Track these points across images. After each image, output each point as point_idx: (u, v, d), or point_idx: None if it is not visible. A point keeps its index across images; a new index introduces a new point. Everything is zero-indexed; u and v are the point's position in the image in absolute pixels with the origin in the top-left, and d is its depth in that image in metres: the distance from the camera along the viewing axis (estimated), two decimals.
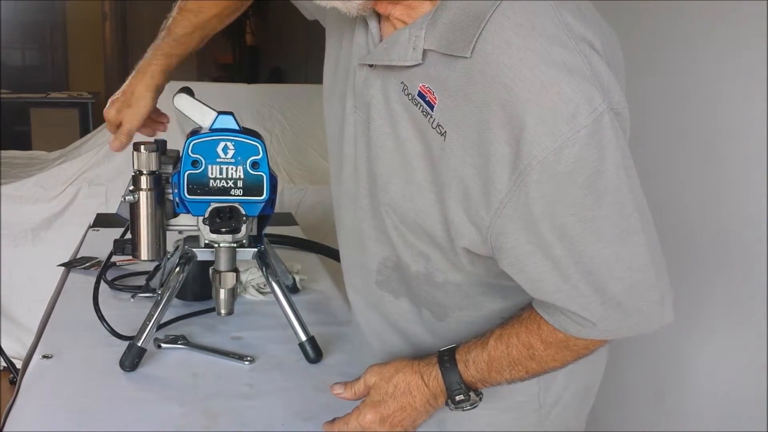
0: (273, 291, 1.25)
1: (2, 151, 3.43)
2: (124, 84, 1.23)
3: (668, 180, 1.80)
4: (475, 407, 0.95)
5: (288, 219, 2.20)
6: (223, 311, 1.20)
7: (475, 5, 0.79)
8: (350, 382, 1.02)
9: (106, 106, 1.23)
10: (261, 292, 1.50)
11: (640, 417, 1.92)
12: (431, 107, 0.83)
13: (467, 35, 0.78)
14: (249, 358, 1.23)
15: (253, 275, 1.51)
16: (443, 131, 0.82)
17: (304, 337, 1.23)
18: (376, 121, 0.90)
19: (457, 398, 0.94)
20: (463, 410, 0.95)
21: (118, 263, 1.57)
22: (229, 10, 1.21)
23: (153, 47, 1.20)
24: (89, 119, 6.25)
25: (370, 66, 0.90)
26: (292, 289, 1.51)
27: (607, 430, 1.91)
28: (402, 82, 0.86)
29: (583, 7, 0.84)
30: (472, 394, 0.94)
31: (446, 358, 0.95)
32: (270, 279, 1.24)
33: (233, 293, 1.20)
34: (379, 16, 0.90)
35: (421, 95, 0.84)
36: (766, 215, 1.51)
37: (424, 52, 0.82)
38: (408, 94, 0.85)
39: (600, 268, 0.81)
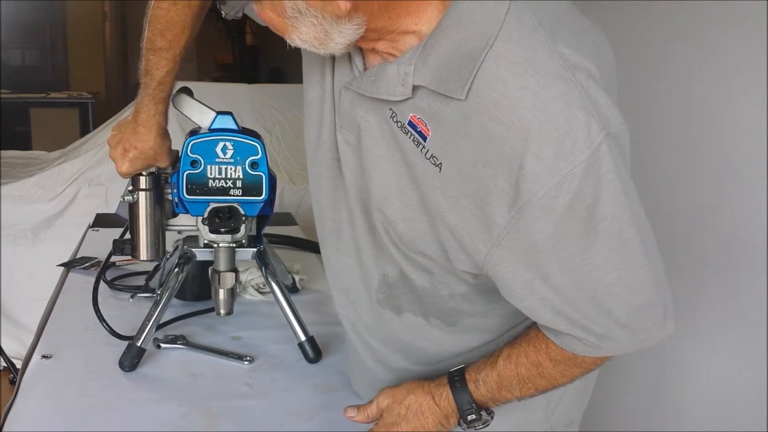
0: (272, 291, 1.25)
1: (2, 151, 3.43)
2: (125, 137, 1.15)
3: (670, 182, 1.80)
4: (487, 426, 0.95)
5: (288, 219, 2.20)
6: (222, 311, 1.20)
7: (467, 44, 0.77)
8: (363, 405, 1.02)
9: (119, 164, 1.15)
10: (260, 292, 1.50)
11: (640, 417, 1.92)
12: (423, 138, 0.82)
13: (461, 76, 0.77)
14: (248, 358, 1.23)
15: (252, 275, 1.51)
16: (438, 162, 0.81)
17: (303, 337, 1.23)
18: (368, 143, 0.89)
19: (469, 418, 0.94)
20: (476, 429, 0.95)
21: (117, 263, 1.57)
22: (196, 29, 1.17)
23: (144, 95, 1.15)
24: (89, 119, 6.25)
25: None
26: (291, 289, 1.51)
27: (608, 431, 1.91)
28: (390, 109, 0.85)
29: (573, 25, 0.83)
30: (483, 413, 0.95)
31: (456, 378, 0.95)
32: (269, 279, 1.24)
33: (233, 293, 1.20)
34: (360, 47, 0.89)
35: (412, 125, 0.83)
36: (767, 216, 1.51)
37: (414, 86, 0.81)
38: (397, 122, 0.84)
39: (603, 294, 0.81)
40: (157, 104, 1.14)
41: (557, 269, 0.80)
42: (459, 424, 0.96)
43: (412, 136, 0.83)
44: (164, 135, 1.16)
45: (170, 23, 1.11)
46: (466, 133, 0.78)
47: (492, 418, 0.95)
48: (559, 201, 0.75)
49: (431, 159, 0.82)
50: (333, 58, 0.93)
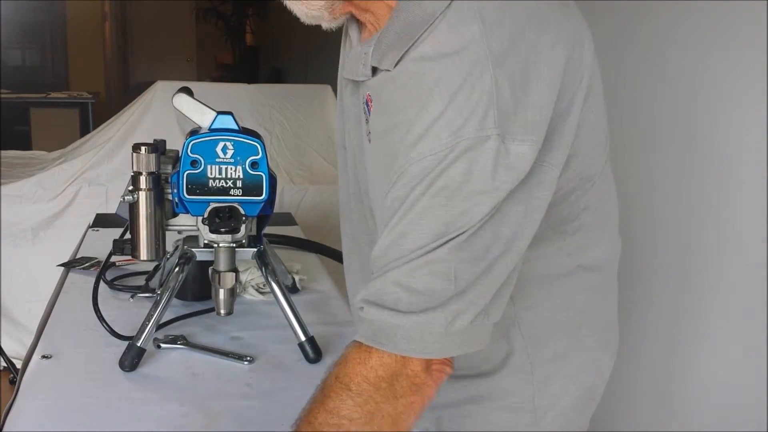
0: (272, 291, 1.24)
1: (2, 151, 3.43)
2: None
3: (671, 180, 1.80)
4: None
5: (288, 219, 2.21)
6: (222, 311, 1.20)
7: (412, 25, 0.82)
8: None
9: None
10: (260, 292, 1.50)
11: (642, 417, 1.92)
12: (369, 114, 0.91)
13: (398, 51, 0.83)
14: (249, 358, 1.23)
15: (252, 275, 1.51)
16: (369, 139, 0.91)
17: (303, 337, 1.23)
18: (353, 130, 0.98)
19: None
20: None
21: (117, 263, 1.57)
22: None
23: None
24: (89, 119, 6.26)
25: (354, 84, 0.97)
26: (291, 289, 1.51)
27: (609, 430, 1.91)
28: (363, 93, 0.93)
29: (533, 22, 0.82)
30: None
31: None
32: (269, 279, 1.24)
33: (233, 293, 1.20)
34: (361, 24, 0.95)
35: (366, 103, 0.92)
36: (767, 216, 1.51)
37: (373, 68, 0.88)
38: (363, 104, 0.93)
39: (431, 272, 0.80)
40: None
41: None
42: None
43: (366, 117, 0.92)
44: None
45: None
46: (383, 104, 0.87)
47: None
48: (425, 172, 0.78)
49: (368, 136, 0.92)
50: (344, 52, 1.01)
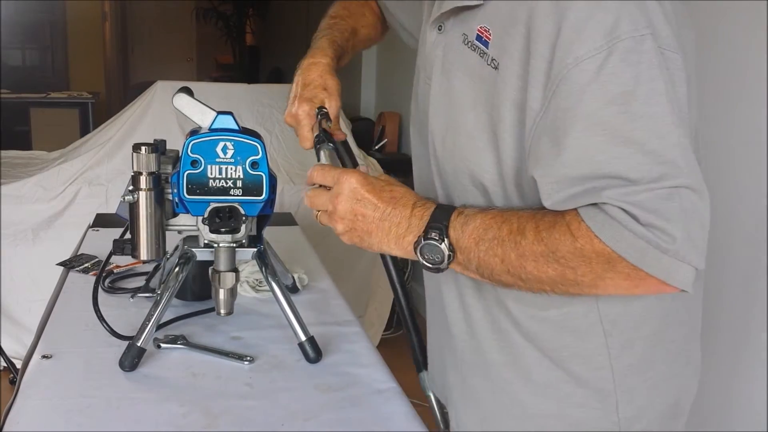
0: (272, 291, 1.24)
1: (2, 151, 3.42)
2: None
3: None
4: (439, 264, 0.87)
5: (288, 219, 2.21)
6: (222, 311, 1.20)
7: None
8: (327, 168, 0.97)
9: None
10: (256, 290, 1.50)
11: None
12: (487, 45, 0.88)
13: None
14: (249, 358, 1.23)
15: (248, 271, 1.50)
16: (497, 64, 0.87)
17: (303, 337, 1.23)
18: (435, 78, 0.98)
19: (431, 233, 0.86)
20: (425, 259, 0.88)
21: (115, 271, 1.57)
22: (361, 38, 1.34)
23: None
24: (89, 119, 6.26)
25: (439, 30, 0.98)
26: (291, 289, 1.51)
27: None
28: (463, 33, 0.92)
29: None
30: (446, 242, 0.86)
31: (445, 206, 0.91)
32: (269, 279, 1.24)
33: (233, 293, 1.20)
34: None
35: (478, 38, 0.90)
36: (767, 214, 1.51)
37: None
38: (467, 43, 0.92)
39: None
40: (327, 39, 1.27)
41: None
42: (416, 244, 0.88)
43: (479, 50, 0.90)
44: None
45: (346, 11, 1.32)
46: (517, 17, 0.84)
47: (450, 257, 0.86)
48: (588, 76, 0.76)
49: (491, 63, 0.88)
50: (427, 14, 1.03)
